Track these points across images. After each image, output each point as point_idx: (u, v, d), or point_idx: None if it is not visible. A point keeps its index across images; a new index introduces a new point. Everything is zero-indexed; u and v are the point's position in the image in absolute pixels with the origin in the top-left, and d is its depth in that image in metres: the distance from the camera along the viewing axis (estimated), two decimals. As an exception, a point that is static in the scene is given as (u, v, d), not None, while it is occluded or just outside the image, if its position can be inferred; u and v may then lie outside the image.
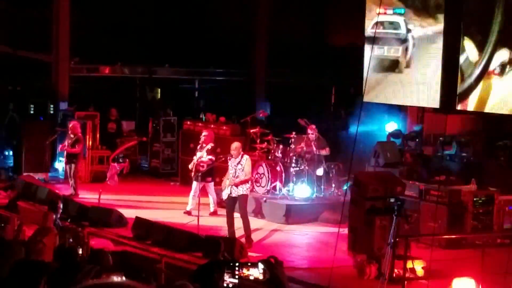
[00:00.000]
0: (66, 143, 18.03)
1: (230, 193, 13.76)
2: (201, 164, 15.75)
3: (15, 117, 21.84)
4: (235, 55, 24.62)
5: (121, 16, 24.63)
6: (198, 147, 16.16)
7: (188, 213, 15.74)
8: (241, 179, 13.72)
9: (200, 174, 15.40)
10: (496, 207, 13.91)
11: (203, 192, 15.77)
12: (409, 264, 11.07)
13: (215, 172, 16.18)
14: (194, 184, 15.88)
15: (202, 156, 15.81)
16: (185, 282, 5.00)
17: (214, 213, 16.01)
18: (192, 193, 15.88)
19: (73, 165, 17.78)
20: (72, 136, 17.93)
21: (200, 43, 24.55)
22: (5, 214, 13.06)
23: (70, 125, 18.15)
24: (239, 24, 24.82)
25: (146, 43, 24.19)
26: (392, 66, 17.09)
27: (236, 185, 13.70)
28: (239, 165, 13.76)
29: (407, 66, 16.85)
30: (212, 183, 16.11)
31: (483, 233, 13.45)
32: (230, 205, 13.90)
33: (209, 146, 15.85)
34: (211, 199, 16.14)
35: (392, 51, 17.07)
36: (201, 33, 24.63)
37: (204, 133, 16.37)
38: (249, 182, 14.21)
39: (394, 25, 16.88)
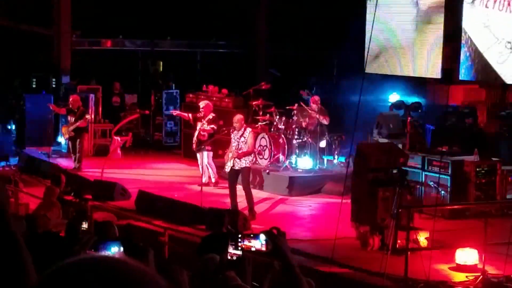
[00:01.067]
0: (69, 120, 17.88)
1: (233, 166, 13.76)
2: (202, 133, 15.71)
3: (21, 92, 21.83)
4: (237, 27, 24.52)
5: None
6: (198, 117, 16.09)
7: (206, 184, 15.57)
8: (244, 151, 13.72)
9: (202, 144, 15.41)
10: (498, 177, 13.91)
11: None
12: (412, 235, 11.08)
13: (216, 143, 16.14)
14: (199, 156, 15.87)
15: (204, 125, 15.76)
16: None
17: (215, 184, 15.98)
18: (200, 166, 15.88)
19: (78, 139, 17.67)
20: (75, 110, 17.81)
21: (201, 15, 24.44)
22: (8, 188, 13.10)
23: (71, 99, 18.02)
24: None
25: (148, 16, 24.09)
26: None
27: (239, 158, 13.69)
28: (242, 137, 13.74)
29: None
30: (211, 153, 16.02)
31: (486, 203, 13.45)
32: (232, 177, 13.90)
33: (210, 116, 15.81)
34: (210, 170, 16.08)
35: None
36: (202, 5, 24.52)
37: (202, 104, 16.29)
38: (252, 154, 14.20)
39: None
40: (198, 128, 15.94)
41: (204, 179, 15.72)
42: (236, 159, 13.70)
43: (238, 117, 14.07)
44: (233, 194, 13.85)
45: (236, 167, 13.77)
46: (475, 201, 13.66)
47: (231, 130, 14.04)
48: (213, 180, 16.05)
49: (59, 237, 6.93)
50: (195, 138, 15.97)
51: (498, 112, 16.99)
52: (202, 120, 15.90)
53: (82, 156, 17.72)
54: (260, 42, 24.67)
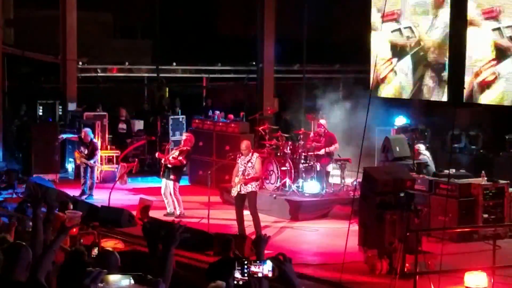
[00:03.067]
0: (82, 151, 17.82)
1: (239, 191, 13.76)
2: (170, 160, 15.49)
3: (27, 120, 21.93)
4: (242, 52, 24.62)
5: (128, 15, 24.70)
6: (176, 147, 16.01)
7: (171, 215, 15.26)
8: (251, 177, 13.72)
9: (169, 172, 15.32)
10: (506, 199, 13.86)
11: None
12: (421, 259, 11.03)
13: (181, 174, 15.83)
14: (163, 184, 15.70)
15: (174, 153, 15.63)
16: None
17: (180, 216, 15.35)
18: (163, 195, 15.67)
19: (89, 169, 17.70)
20: (87, 143, 17.80)
21: (207, 40, 24.57)
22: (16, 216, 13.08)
23: (83, 134, 17.99)
24: (245, 19, 24.82)
25: (153, 42, 24.23)
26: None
27: (246, 183, 13.69)
28: (250, 163, 13.75)
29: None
30: (177, 184, 15.60)
31: (494, 226, 13.39)
32: (239, 202, 13.90)
33: (184, 148, 15.65)
34: (176, 203, 15.59)
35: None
36: (208, 31, 24.66)
37: (184, 136, 16.21)
38: (259, 179, 14.19)
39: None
40: (170, 154, 15.66)
41: (169, 209, 15.57)
42: (243, 184, 13.70)
43: (246, 143, 14.08)
44: (240, 219, 13.84)
45: (243, 192, 13.77)
46: (483, 223, 13.60)
47: (237, 155, 14.04)
48: (177, 212, 15.52)
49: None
50: (163, 161, 15.69)
51: (504, 135, 16.95)
52: (177, 150, 15.73)
53: (93, 184, 17.71)
54: (267, 67, 24.73)
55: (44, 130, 20.28)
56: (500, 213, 13.81)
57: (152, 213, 14.94)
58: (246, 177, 13.66)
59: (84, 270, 5.77)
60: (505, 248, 11.40)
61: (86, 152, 17.71)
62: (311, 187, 16.26)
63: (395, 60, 17.84)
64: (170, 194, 15.63)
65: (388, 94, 18.40)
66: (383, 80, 18.24)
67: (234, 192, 13.93)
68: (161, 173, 15.75)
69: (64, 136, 19.74)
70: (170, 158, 15.49)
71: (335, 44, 22.29)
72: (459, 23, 15.90)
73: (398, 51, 17.86)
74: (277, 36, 24.34)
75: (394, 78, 18.06)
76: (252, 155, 13.87)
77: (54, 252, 5.74)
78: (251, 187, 13.77)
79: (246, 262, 4.97)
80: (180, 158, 15.55)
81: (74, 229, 7.48)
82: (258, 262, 4.88)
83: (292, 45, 24.25)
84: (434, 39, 16.94)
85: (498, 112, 16.89)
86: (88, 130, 18.10)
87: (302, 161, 16.38)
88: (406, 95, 18.03)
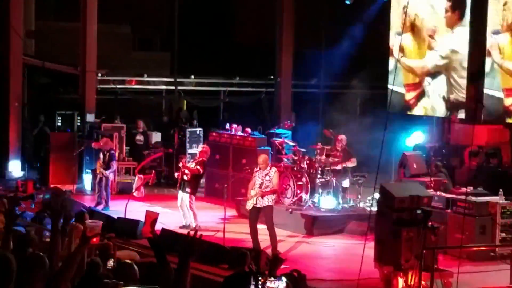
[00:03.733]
0: (101, 159, 17.89)
1: (256, 204, 13.76)
2: (186, 172, 15.55)
3: (46, 129, 22.06)
4: (260, 66, 24.66)
5: (148, 28, 24.83)
6: (192, 159, 16.05)
7: (186, 227, 15.23)
8: (269, 190, 13.72)
9: (185, 185, 15.38)
10: (524, 218, 13.77)
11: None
12: (437, 277, 10.98)
13: (197, 186, 15.88)
14: (180, 194, 15.75)
15: (191, 165, 15.67)
16: None
17: (195, 229, 15.13)
18: (178, 205, 15.72)
19: (103, 179, 17.76)
20: (105, 152, 17.92)
21: (226, 54, 24.64)
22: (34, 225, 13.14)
23: (102, 143, 18.10)
24: (263, 33, 24.88)
25: (173, 55, 24.32)
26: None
27: (263, 196, 13.69)
28: (267, 176, 13.75)
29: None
30: (193, 197, 15.67)
31: (511, 245, 13.30)
32: (254, 215, 13.89)
33: (201, 159, 15.71)
34: (192, 215, 15.65)
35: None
36: (227, 44, 24.72)
37: (200, 148, 16.26)
38: (275, 193, 14.19)
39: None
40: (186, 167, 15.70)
41: (184, 222, 15.59)
42: (259, 197, 13.69)
43: (264, 157, 14.11)
44: (254, 233, 13.83)
45: (259, 205, 13.76)
46: (501, 242, 13.51)
47: (255, 169, 14.03)
48: (193, 225, 15.51)
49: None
50: (178, 174, 15.76)
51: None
52: (194, 160, 15.83)
53: (108, 195, 17.73)
54: (285, 81, 24.76)
55: (62, 140, 20.39)
56: (518, 232, 13.72)
57: (168, 225, 14.96)
58: (265, 190, 13.67)
59: (101, 281, 5.79)
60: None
61: (102, 161, 17.78)
62: (327, 202, 16.23)
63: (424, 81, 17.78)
64: (186, 206, 15.66)
65: (418, 113, 18.28)
66: (410, 102, 18.12)
67: (249, 205, 13.92)
68: (178, 185, 15.79)
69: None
70: (186, 170, 15.53)
71: (355, 58, 22.29)
72: (478, 38, 15.86)
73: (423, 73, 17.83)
74: (296, 49, 24.37)
75: (423, 99, 17.96)
76: (270, 168, 13.90)
77: (76, 263, 5.75)
78: (267, 201, 13.76)
79: (261, 278, 4.98)
80: (197, 167, 15.58)
81: (95, 239, 7.49)
82: (273, 278, 4.90)
83: (311, 59, 24.26)
84: (454, 57, 16.91)
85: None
86: (106, 139, 18.20)
87: (319, 176, 16.36)
88: (437, 113, 17.87)
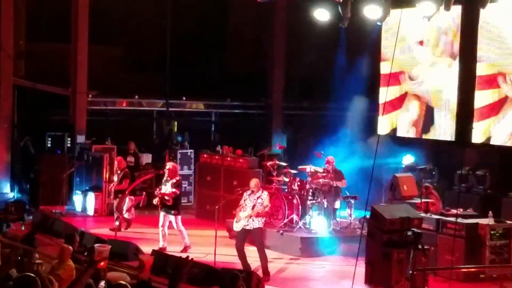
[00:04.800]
0: (114, 179, 18.15)
1: (246, 225, 13.77)
2: (166, 197, 15.56)
3: (30, 149, 21.98)
4: (252, 87, 24.74)
5: (138, 49, 24.87)
6: (163, 180, 15.97)
7: (163, 249, 15.29)
8: (262, 211, 13.77)
9: (168, 208, 15.45)
10: (513, 240, 13.82)
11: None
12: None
13: (179, 206, 15.96)
14: (161, 215, 15.74)
15: (167, 189, 15.65)
16: None
17: (186, 249, 15.57)
18: (160, 227, 15.71)
19: (117, 200, 17.78)
20: (119, 172, 18.07)
21: (217, 75, 24.70)
22: (23, 247, 13.10)
23: (116, 163, 18.46)
24: (255, 55, 24.98)
25: (164, 76, 24.35)
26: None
27: (256, 216, 13.71)
28: (260, 199, 13.78)
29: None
30: (179, 217, 15.77)
31: (501, 266, 13.34)
32: (242, 237, 13.91)
33: (174, 180, 15.70)
34: (180, 234, 15.75)
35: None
36: (218, 66, 24.79)
37: (168, 166, 16.17)
38: (267, 216, 14.22)
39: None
40: (162, 190, 15.68)
41: (161, 244, 15.53)
42: (249, 219, 13.70)
43: (256, 181, 14.17)
44: (242, 255, 13.85)
45: (249, 227, 13.78)
46: (490, 264, 13.55)
47: (245, 193, 14.04)
48: (184, 244, 15.67)
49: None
50: (156, 201, 15.78)
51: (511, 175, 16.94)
52: (166, 183, 15.76)
53: (121, 217, 17.55)
54: (276, 103, 24.85)
55: (52, 162, 20.36)
56: (507, 254, 13.77)
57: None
58: (256, 211, 13.67)
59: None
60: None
61: (116, 179, 17.98)
62: (318, 223, 16.25)
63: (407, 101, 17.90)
64: (174, 227, 15.68)
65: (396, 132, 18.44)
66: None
67: (238, 227, 13.91)
68: (159, 206, 15.77)
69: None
70: (165, 196, 15.53)
71: (346, 82, 22.39)
72: (467, 63, 15.97)
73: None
74: (287, 72, 24.48)
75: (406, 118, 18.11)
76: (262, 192, 13.94)
77: (83, 286, 5.74)
78: (258, 223, 13.79)
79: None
80: (173, 190, 15.58)
81: (103, 263, 7.44)
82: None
83: (302, 81, 24.36)
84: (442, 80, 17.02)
85: (506, 152, 16.90)
86: (121, 158, 18.63)
87: (310, 197, 16.39)
88: (414, 133, 18.05)
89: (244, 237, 13.93)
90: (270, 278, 13.59)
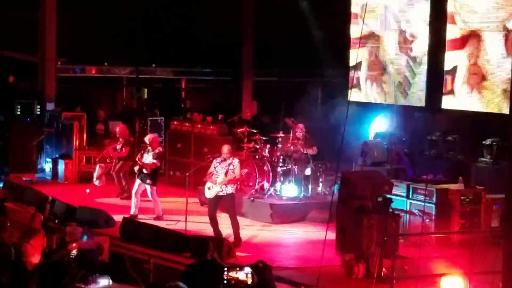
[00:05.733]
0: (117, 146, 17.81)
1: (219, 191, 13.74)
2: (145, 166, 15.48)
3: (5, 120, 21.75)
4: (222, 55, 24.62)
5: (108, 16, 24.60)
6: (146, 149, 15.82)
7: (134, 216, 15.21)
8: (233, 178, 13.78)
9: (144, 176, 15.38)
10: (483, 205, 13.95)
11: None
12: (398, 263, 11.08)
13: (157, 176, 15.82)
14: (136, 183, 15.64)
15: (148, 158, 15.55)
16: (177, 283, 5.02)
17: (158, 218, 15.48)
18: (133, 194, 15.64)
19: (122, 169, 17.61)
20: (121, 139, 17.81)
21: (187, 43, 24.53)
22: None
23: (118, 129, 18.07)
24: (225, 23, 24.83)
25: (133, 43, 24.15)
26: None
27: (228, 183, 13.71)
28: (231, 165, 13.75)
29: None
30: (154, 188, 15.65)
31: (471, 232, 13.48)
32: (214, 204, 13.91)
33: (156, 150, 15.63)
34: (154, 204, 15.70)
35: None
36: (188, 33, 24.61)
37: (149, 136, 16.05)
38: (239, 181, 14.25)
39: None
40: (144, 158, 15.59)
41: (133, 211, 15.44)
42: (223, 185, 13.69)
43: (228, 147, 14.14)
44: (215, 221, 13.86)
45: (222, 193, 13.76)
46: (460, 229, 13.67)
47: (215, 159, 14.01)
48: (157, 213, 15.62)
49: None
50: (137, 167, 15.70)
51: (482, 141, 17.06)
52: (148, 152, 15.65)
53: (127, 183, 17.46)
54: (246, 70, 24.78)
55: (22, 129, 20.16)
56: (477, 219, 13.89)
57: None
58: (228, 178, 13.67)
59: (63, 270, 5.75)
60: (481, 253, 11.45)
61: (118, 147, 17.80)
62: (289, 190, 16.28)
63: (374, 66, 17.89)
64: (148, 196, 15.63)
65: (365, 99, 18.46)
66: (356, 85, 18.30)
67: (211, 194, 13.88)
68: (136, 175, 15.70)
69: None
70: (145, 165, 15.46)
71: (315, 47, 22.34)
72: (438, 24, 15.99)
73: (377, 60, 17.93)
74: (257, 39, 24.40)
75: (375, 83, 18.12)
76: (233, 159, 13.92)
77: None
78: (231, 189, 13.79)
79: (225, 268, 4.99)
80: (154, 161, 15.52)
81: (74, 244, 7.36)
82: (237, 268, 4.90)
83: (272, 47, 24.28)
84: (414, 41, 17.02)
85: (476, 118, 17.00)
86: (124, 126, 18.30)
87: (280, 164, 16.40)
88: (385, 100, 18.10)
89: (216, 204, 13.93)
90: (241, 244, 13.62)
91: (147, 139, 16.04)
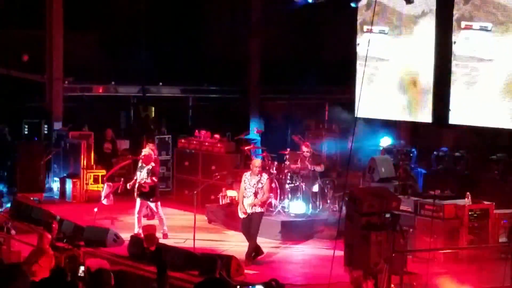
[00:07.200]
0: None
1: (251, 212, 13.66)
2: (143, 184, 15.37)
3: (7, 137, 21.82)
4: (229, 73, 24.70)
5: (115, 35, 24.72)
6: (138, 166, 15.77)
7: (138, 235, 14.89)
8: (264, 199, 13.73)
9: (145, 195, 15.27)
10: (491, 220, 13.92)
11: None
12: (406, 280, 11.06)
13: (157, 192, 15.70)
14: (138, 201, 15.53)
15: (143, 177, 15.41)
16: None
17: (165, 236, 15.39)
18: (136, 213, 15.53)
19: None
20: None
21: (194, 61, 24.62)
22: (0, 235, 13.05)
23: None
24: (232, 41, 24.93)
25: (140, 62, 24.24)
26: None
27: (261, 206, 13.69)
28: (260, 183, 13.68)
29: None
30: (159, 203, 15.59)
31: (479, 247, 13.44)
32: (247, 224, 13.80)
33: (149, 167, 15.52)
34: (160, 220, 15.58)
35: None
36: (195, 52, 24.72)
37: (144, 152, 15.82)
38: (269, 200, 14.07)
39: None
40: (137, 177, 15.48)
41: (137, 230, 15.28)
42: (253, 207, 13.61)
43: (259, 161, 14.11)
44: (250, 237, 13.78)
45: (251, 211, 13.71)
46: (468, 245, 13.64)
47: (247, 173, 13.90)
48: (163, 231, 15.50)
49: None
50: (136, 188, 15.56)
51: (489, 156, 17.05)
52: (141, 169, 15.53)
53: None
54: (253, 87, 24.84)
55: (29, 149, 20.23)
56: (485, 234, 13.86)
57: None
58: (258, 199, 13.61)
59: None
60: (489, 269, 11.43)
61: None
62: (297, 207, 16.27)
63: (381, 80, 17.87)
64: (153, 213, 15.60)
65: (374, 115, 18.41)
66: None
67: (242, 214, 13.76)
68: (136, 194, 15.64)
69: None
70: (142, 182, 15.35)
71: (322, 65, 22.40)
72: (444, 39, 15.96)
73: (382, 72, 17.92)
74: (264, 57, 24.46)
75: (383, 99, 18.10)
76: (261, 176, 13.81)
77: None
78: (260, 208, 13.75)
79: (238, 286, 5.00)
80: (153, 178, 15.45)
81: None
82: (249, 286, 4.91)
83: (280, 66, 24.35)
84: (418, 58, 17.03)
85: (482, 133, 17.00)
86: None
87: (288, 181, 16.41)
88: (393, 116, 18.04)
89: (249, 224, 13.80)
90: (250, 265, 13.55)
91: (144, 152, 15.81)
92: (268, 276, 10.97)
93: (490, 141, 17.35)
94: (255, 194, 13.66)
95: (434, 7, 15.78)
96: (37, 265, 9.87)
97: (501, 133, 15.72)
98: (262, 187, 13.66)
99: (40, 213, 16.28)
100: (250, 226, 13.78)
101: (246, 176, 13.81)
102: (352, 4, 15.39)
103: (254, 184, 13.68)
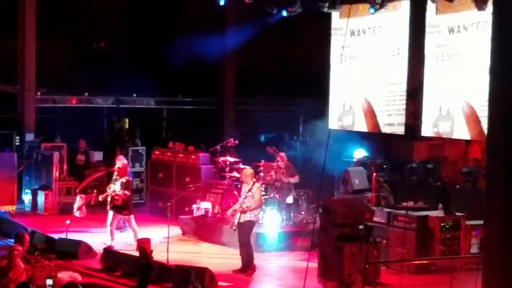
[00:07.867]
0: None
1: (239, 220, 13.72)
2: (116, 197, 15.26)
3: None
4: (204, 84, 24.69)
5: (89, 45, 24.65)
6: (113, 178, 15.68)
7: (110, 247, 14.92)
8: (250, 207, 13.71)
9: (118, 209, 15.18)
10: (463, 231, 14.01)
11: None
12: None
13: (131, 205, 15.64)
14: (110, 214, 15.43)
15: (116, 190, 15.29)
16: None
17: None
18: (108, 225, 15.40)
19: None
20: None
21: (168, 72, 24.59)
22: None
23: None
24: (207, 51, 24.92)
25: (114, 73, 24.18)
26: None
27: (243, 212, 13.70)
28: (250, 192, 13.76)
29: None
30: (132, 216, 15.52)
31: (451, 258, 13.51)
32: (239, 231, 13.83)
33: (123, 180, 15.43)
34: (134, 233, 15.47)
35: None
36: (169, 62, 24.67)
37: (118, 165, 15.69)
38: (256, 209, 13.97)
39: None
40: (110, 190, 15.37)
41: (109, 242, 15.19)
42: (241, 214, 13.68)
43: (250, 171, 14.13)
44: (244, 248, 13.82)
45: (241, 221, 13.74)
46: (440, 256, 13.71)
47: (244, 184, 13.94)
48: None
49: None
50: (102, 198, 15.51)
51: (461, 168, 17.17)
52: (115, 182, 15.43)
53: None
54: (228, 99, 24.83)
55: (0, 160, 20.02)
56: (457, 246, 13.94)
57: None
58: (243, 206, 13.67)
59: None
60: (461, 280, 11.48)
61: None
62: (271, 219, 16.25)
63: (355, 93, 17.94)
64: (126, 226, 15.51)
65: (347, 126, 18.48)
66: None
67: (236, 221, 13.82)
68: (109, 205, 15.50)
69: None
70: (114, 195, 15.25)
71: (297, 77, 22.49)
72: (417, 53, 16.07)
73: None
74: (239, 68, 24.49)
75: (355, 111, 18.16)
76: (253, 184, 13.87)
77: None
78: (249, 216, 13.73)
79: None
80: (126, 192, 15.36)
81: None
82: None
83: (253, 77, 24.40)
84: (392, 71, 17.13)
85: (455, 145, 17.13)
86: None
87: (263, 193, 16.38)
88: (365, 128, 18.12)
89: (239, 231, 13.82)
90: (248, 274, 13.52)
91: (118, 164, 15.75)
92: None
93: (462, 152, 17.48)
94: (243, 201, 13.74)
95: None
96: (8, 279, 9.77)
97: (473, 145, 15.83)
98: (252, 196, 13.69)
99: (11, 225, 16.16)
100: (238, 234, 13.84)
101: (244, 184, 13.97)
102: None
103: (246, 192, 13.76)
